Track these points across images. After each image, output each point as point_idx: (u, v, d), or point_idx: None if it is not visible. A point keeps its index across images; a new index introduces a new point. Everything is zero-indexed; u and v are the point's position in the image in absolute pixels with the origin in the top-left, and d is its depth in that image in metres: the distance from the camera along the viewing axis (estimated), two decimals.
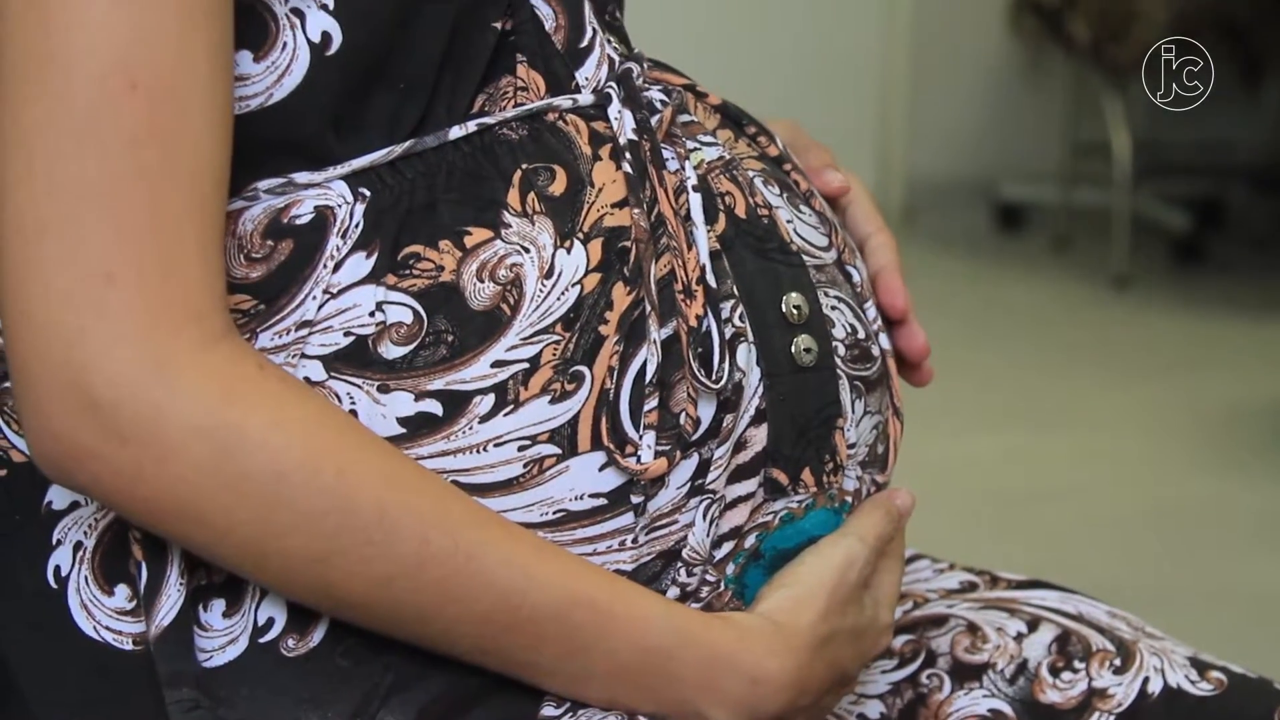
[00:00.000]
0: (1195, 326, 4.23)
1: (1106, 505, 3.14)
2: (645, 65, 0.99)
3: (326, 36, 0.87)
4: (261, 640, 0.88)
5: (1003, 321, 4.20)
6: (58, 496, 0.90)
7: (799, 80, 4.36)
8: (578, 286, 0.89)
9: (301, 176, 0.88)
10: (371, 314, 0.87)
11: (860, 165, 4.60)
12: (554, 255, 0.89)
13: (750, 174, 0.98)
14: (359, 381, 0.87)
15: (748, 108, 1.04)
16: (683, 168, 0.94)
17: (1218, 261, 4.79)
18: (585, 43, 0.96)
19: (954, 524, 2.79)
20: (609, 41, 0.97)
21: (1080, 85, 4.93)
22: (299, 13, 0.86)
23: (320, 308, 0.87)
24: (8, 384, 0.88)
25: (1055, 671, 1.02)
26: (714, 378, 0.91)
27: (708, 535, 0.92)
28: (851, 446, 0.97)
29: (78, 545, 0.90)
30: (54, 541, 0.90)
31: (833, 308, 0.97)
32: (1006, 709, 1.01)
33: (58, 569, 0.90)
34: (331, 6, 0.86)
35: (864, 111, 4.68)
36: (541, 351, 0.88)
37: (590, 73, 0.95)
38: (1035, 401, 3.66)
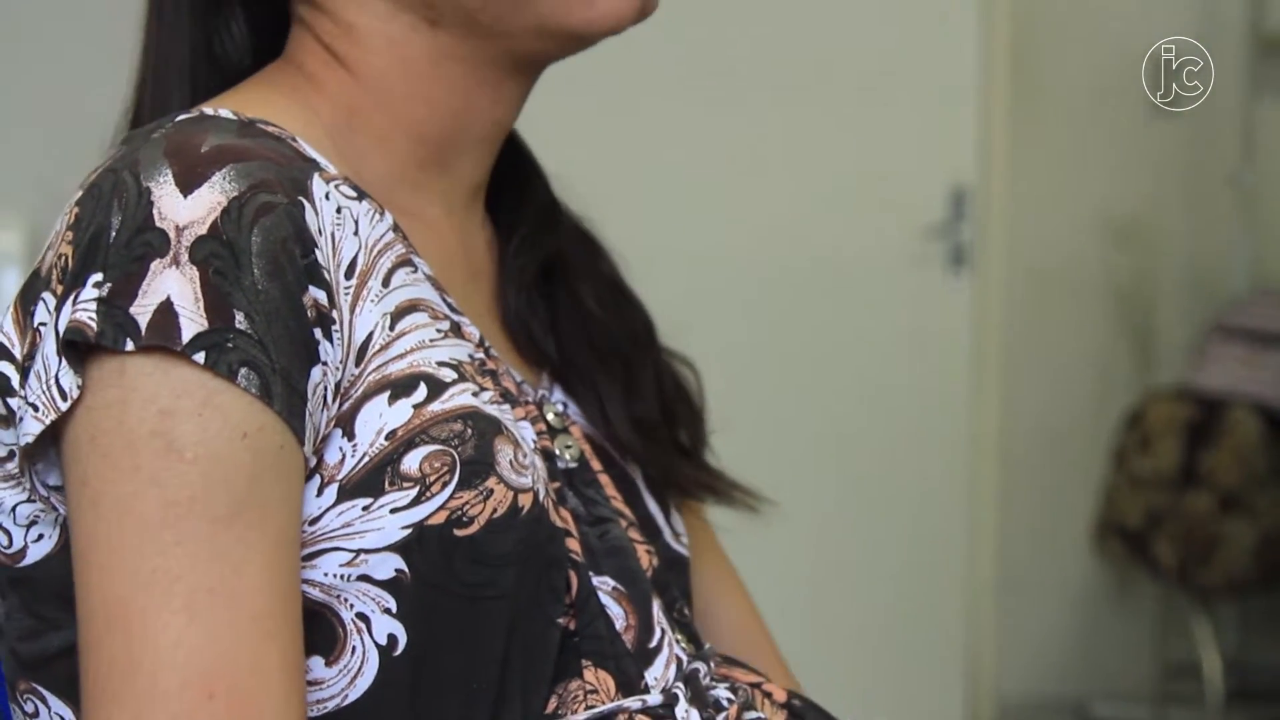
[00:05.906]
0: None
1: None
2: (713, 663, 1.02)
3: (393, 639, 0.90)
4: None
5: None
6: None
7: (887, 565, 4.35)
8: None
9: None
10: None
11: (949, 683, 4.57)
12: None
13: None
14: None
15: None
16: None
17: None
18: (654, 643, 0.99)
19: None
20: (677, 641, 1.01)
21: (1168, 605, 4.91)
22: (365, 617, 0.90)
23: None
24: None
25: None
26: None
27: None
28: None
29: None
30: None
31: None
32: None
33: None
34: (395, 610, 0.90)
35: (951, 631, 4.66)
36: None
37: (659, 673, 0.99)
38: None
